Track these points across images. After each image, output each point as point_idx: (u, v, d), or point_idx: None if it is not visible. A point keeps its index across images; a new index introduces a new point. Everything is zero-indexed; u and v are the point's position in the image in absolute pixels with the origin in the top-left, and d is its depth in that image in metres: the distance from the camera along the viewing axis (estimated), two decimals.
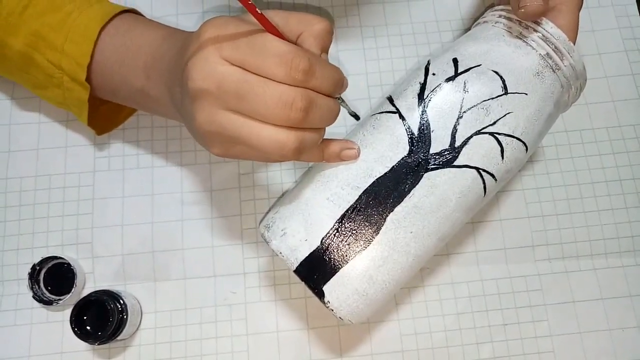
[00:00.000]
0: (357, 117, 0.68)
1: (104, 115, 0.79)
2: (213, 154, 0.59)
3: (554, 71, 0.65)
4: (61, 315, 0.78)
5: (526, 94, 0.64)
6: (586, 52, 0.89)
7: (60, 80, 0.71)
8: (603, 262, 0.82)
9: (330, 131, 0.60)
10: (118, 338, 0.73)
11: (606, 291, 0.81)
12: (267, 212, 0.67)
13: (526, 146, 0.65)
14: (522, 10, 0.62)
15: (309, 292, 0.77)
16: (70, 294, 0.75)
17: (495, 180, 0.64)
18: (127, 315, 0.73)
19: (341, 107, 0.62)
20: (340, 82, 0.58)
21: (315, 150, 0.61)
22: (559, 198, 0.84)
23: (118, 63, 0.69)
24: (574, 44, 0.66)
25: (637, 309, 0.80)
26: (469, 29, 0.79)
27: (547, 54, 0.65)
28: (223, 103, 0.54)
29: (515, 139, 0.63)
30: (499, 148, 0.63)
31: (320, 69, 0.55)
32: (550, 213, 0.83)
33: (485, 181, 0.64)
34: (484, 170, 0.63)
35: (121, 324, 0.73)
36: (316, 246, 0.61)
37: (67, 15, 0.69)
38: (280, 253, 0.62)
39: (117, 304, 0.72)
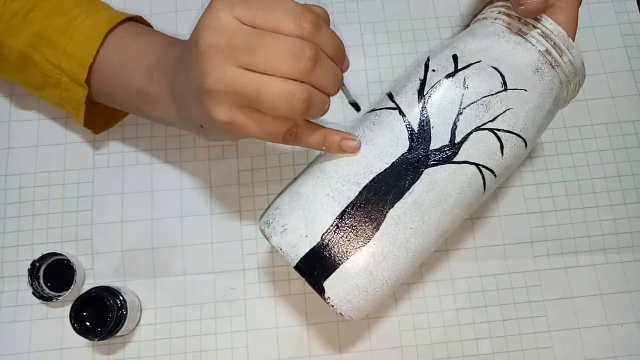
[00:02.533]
0: (357, 107, 0.68)
1: (101, 113, 0.79)
2: (217, 125, 0.59)
3: (553, 67, 0.65)
4: (61, 312, 0.79)
5: (525, 90, 0.64)
6: (585, 48, 0.90)
7: (58, 81, 0.71)
8: (602, 257, 0.82)
9: (331, 127, 0.60)
10: (118, 334, 0.73)
11: (605, 287, 0.81)
12: (267, 209, 0.67)
13: (525, 142, 0.65)
14: (522, 7, 0.62)
15: (309, 288, 0.77)
16: (70, 290, 0.75)
17: (495, 176, 0.64)
18: (126, 311, 0.73)
19: (343, 95, 0.64)
20: (342, 51, 0.59)
21: (315, 133, 0.63)
22: (557, 194, 0.84)
23: (121, 64, 0.70)
24: (573, 41, 0.66)
25: (636, 305, 0.80)
26: (468, 25, 0.79)
27: (547, 50, 0.65)
28: (234, 59, 0.54)
29: (514, 135, 0.63)
30: (499, 144, 0.63)
31: (326, 29, 0.57)
32: (549, 209, 0.83)
33: (485, 177, 0.64)
34: (484, 166, 0.63)
35: (121, 320, 0.73)
36: (316, 242, 0.61)
37: (73, 19, 0.70)
38: (281, 249, 0.62)
39: (117, 300, 0.73)
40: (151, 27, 0.78)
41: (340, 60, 0.59)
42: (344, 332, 0.79)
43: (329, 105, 0.60)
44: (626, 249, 0.82)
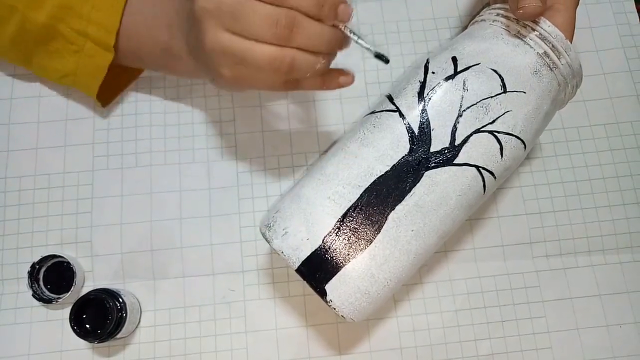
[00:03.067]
0: (384, 59, 0.65)
1: (105, 84, 0.80)
2: (224, 81, 0.64)
3: (551, 69, 0.65)
4: (61, 314, 0.79)
5: (524, 93, 0.64)
6: (584, 49, 0.90)
7: (82, 47, 0.75)
8: (600, 258, 0.82)
9: (329, 129, 0.61)
10: (117, 336, 0.73)
11: (603, 287, 0.81)
12: (268, 212, 0.67)
13: (524, 144, 0.65)
14: (521, 11, 0.62)
15: (308, 290, 0.77)
16: (70, 292, 0.75)
17: (495, 178, 0.65)
18: (126, 313, 0.73)
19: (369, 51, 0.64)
20: (326, 5, 0.60)
21: (314, 79, 0.66)
22: (556, 195, 0.84)
23: (145, 23, 0.74)
24: (571, 42, 0.66)
25: (635, 305, 0.81)
26: (466, 26, 0.79)
27: (545, 52, 0.65)
28: (222, 23, 0.59)
29: (514, 137, 0.64)
30: (498, 146, 0.63)
31: None
32: (547, 210, 0.84)
33: (485, 179, 0.64)
34: (484, 168, 0.63)
35: (120, 322, 0.73)
36: (318, 245, 0.61)
37: None
38: (282, 252, 0.62)
39: (116, 302, 0.73)
40: None
41: (330, 15, 0.60)
42: (343, 333, 0.79)
43: (326, 62, 0.63)
44: (625, 249, 0.82)
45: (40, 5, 0.72)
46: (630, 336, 0.80)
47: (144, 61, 0.79)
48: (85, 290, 0.78)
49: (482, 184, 0.64)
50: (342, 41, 0.64)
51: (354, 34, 0.63)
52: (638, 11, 0.91)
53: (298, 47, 0.59)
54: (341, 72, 0.67)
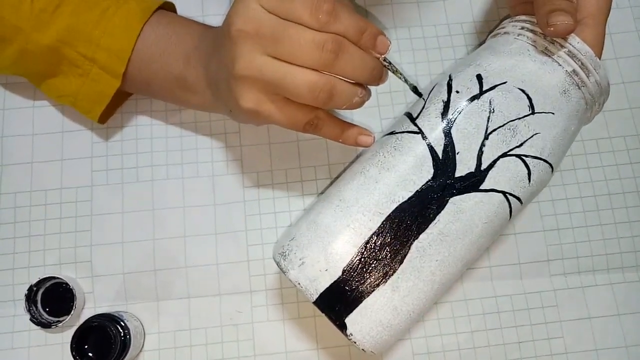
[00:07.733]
0: (417, 92, 0.66)
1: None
2: (243, 113, 0.62)
3: (579, 88, 0.63)
4: (60, 338, 0.76)
5: (553, 114, 0.61)
6: (603, 57, 0.86)
7: (88, 71, 0.72)
8: (620, 276, 0.80)
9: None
10: None
11: (623, 307, 0.79)
12: (281, 238, 0.65)
13: (552, 167, 0.63)
14: (552, 28, 0.60)
15: (318, 311, 0.75)
16: (70, 315, 0.73)
17: (521, 203, 0.62)
18: (129, 338, 0.71)
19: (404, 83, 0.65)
20: (369, 34, 0.59)
21: (335, 125, 0.65)
22: (574, 210, 0.82)
23: (159, 52, 0.72)
24: (600, 59, 0.63)
25: None
26: (482, 32, 0.76)
27: (574, 70, 0.62)
28: (261, 47, 0.57)
29: (542, 161, 0.61)
30: (526, 171, 0.61)
31: (346, 15, 0.58)
32: (566, 226, 0.81)
33: (512, 205, 0.61)
34: (511, 194, 0.61)
35: (124, 348, 0.70)
36: (337, 276, 0.59)
37: (104, 11, 0.71)
38: (299, 284, 0.60)
39: (119, 328, 0.70)
40: (176, 12, 0.80)
41: (368, 44, 0.60)
42: (355, 356, 0.77)
43: (364, 97, 0.63)
44: None
45: (46, 27, 0.70)
46: None
47: (154, 90, 0.76)
48: (86, 312, 0.76)
49: (508, 210, 0.61)
50: (382, 74, 0.63)
51: (392, 64, 0.63)
52: None
53: (340, 74, 0.58)
54: (362, 130, 0.67)
